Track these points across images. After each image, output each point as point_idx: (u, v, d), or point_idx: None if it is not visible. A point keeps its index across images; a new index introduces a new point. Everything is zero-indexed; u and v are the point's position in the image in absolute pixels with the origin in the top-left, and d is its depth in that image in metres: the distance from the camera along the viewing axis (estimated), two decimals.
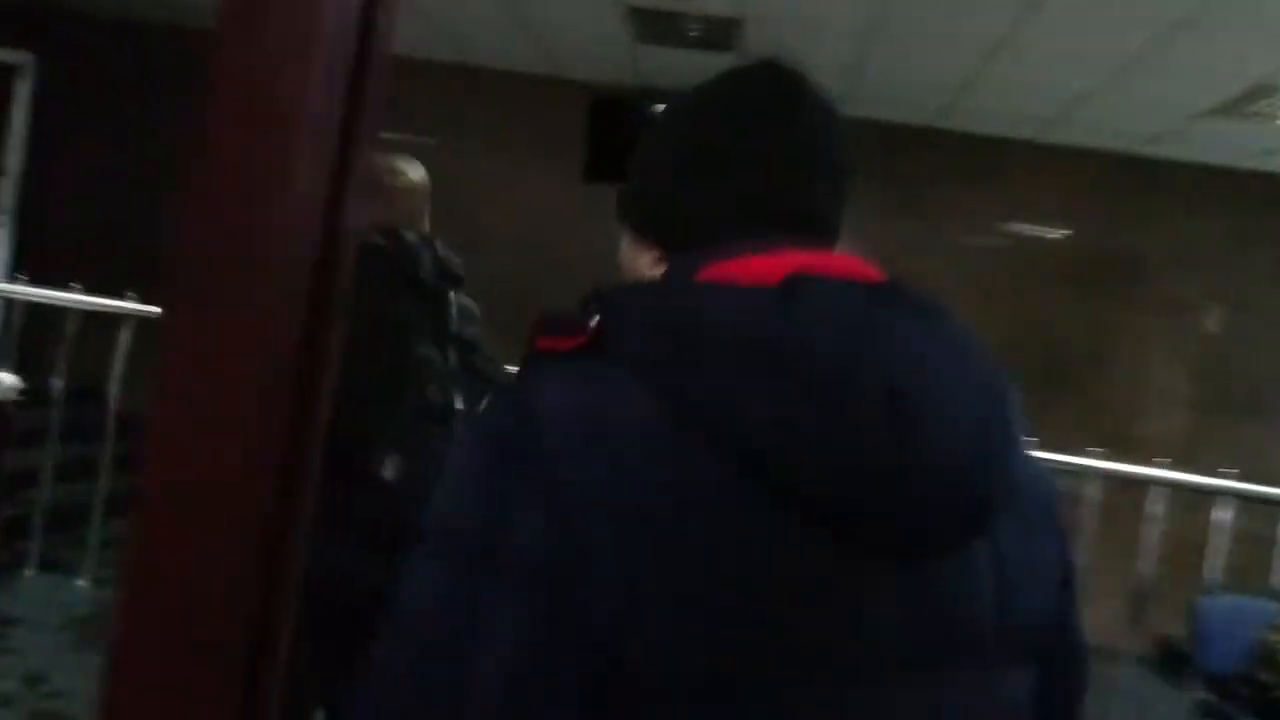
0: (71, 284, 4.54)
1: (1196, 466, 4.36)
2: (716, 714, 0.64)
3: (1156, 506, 4.20)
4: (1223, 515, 4.19)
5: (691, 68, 4.13)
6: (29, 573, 4.49)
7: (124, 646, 0.77)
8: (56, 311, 4.56)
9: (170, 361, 0.79)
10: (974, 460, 0.68)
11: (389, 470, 1.93)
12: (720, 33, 4.82)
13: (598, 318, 0.71)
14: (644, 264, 0.87)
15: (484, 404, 1.76)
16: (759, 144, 0.84)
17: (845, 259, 0.79)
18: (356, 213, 0.90)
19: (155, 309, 4.32)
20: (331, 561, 1.52)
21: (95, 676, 0.78)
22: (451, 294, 2.19)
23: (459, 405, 2.04)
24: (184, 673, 0.77)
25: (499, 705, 0.62)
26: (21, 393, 3.93)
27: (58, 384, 4.49)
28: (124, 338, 4.53)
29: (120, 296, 4.53)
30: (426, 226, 2.23)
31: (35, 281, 4.82)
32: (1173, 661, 4.63)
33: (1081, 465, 4.11)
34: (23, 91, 6.12)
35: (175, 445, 0.79)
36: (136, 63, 6.24)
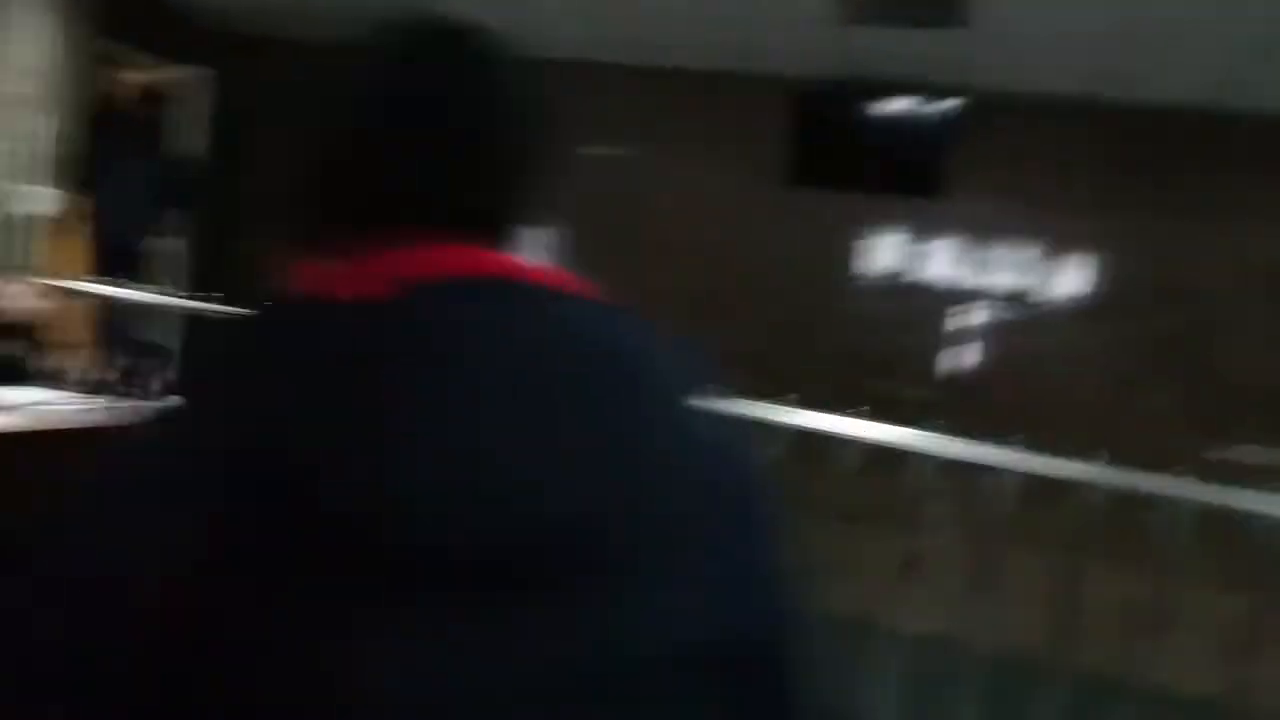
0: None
1: None
2: None
3: None
4: None
5: (911, 51, 4.48)
6: None
7: None
8: None
9: None
10: (551, 493, 0.62)
11: None
12: (944, 8, 4.02)
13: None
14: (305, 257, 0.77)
15: None
16: (398, 130, 0.74)
17: (496, 259, 0.72)
18: None
19: None
20: None
21: None
22: None
23: None
24: None
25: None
26: None
27: None
28: None
29: None
30: None
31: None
32: None
33: None
34: (199, 108, 5.74)
35: None
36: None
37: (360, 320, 0.64)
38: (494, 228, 0.77)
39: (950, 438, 3.13)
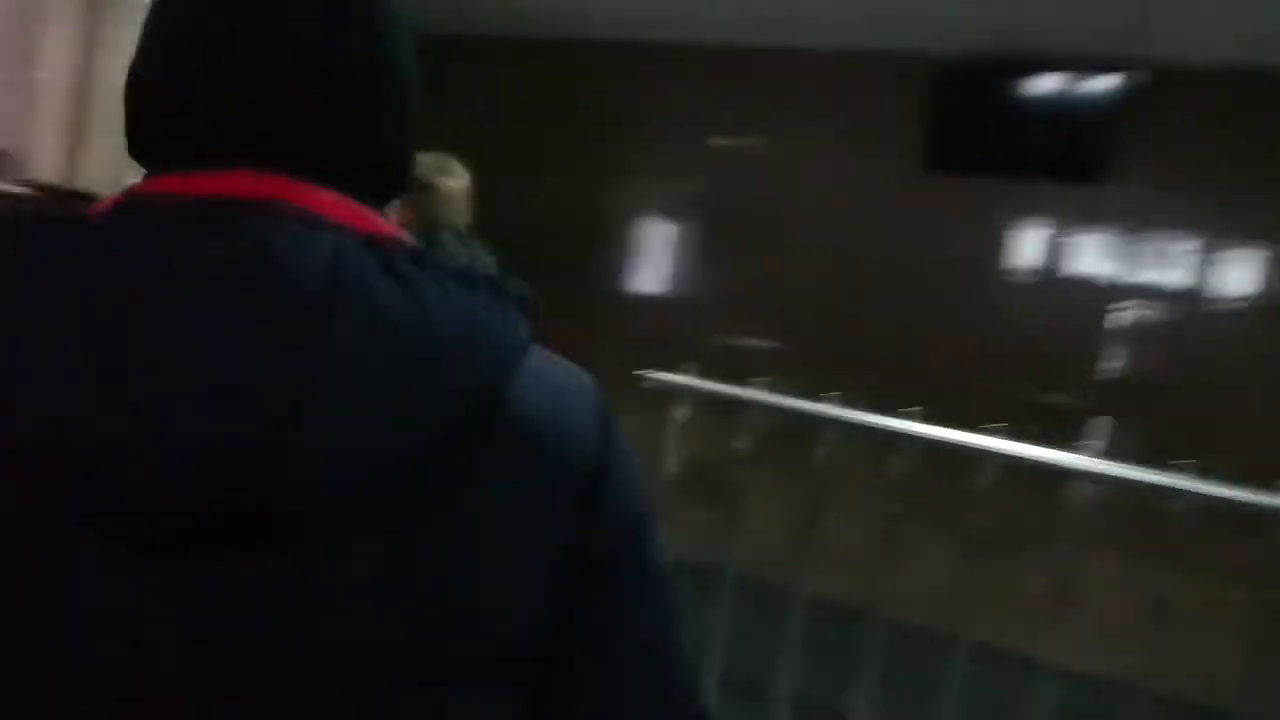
0: None
1: None
2: None
3: None
4: None
5: (1070, 20, 4.09)
6: None
7: None
8: None
9: None
10: (254, 440, 0.53)
11: None
12: None
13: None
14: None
15: None
16: (204, 44, 0.64)
17: (259, 183, 0.61)
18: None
19: None
20: None
21: None
22: None
23: None
24: None
25: None
26: None
27: None
28: None
29: None
30: (464, 224, 2.24)
31: None
32: None
33: None
34: None
35: None
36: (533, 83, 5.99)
37: (52, 237, 0.58)
38: (318, 164, 0.65)
39: (1114, 461, 2.83)
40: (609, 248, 6.20)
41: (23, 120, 4.03)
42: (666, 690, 0.68)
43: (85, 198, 3.60)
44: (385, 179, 0.69)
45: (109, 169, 3.83)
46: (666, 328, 5.58)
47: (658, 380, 3.21)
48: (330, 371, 0.55)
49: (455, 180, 2.30)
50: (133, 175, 0.67)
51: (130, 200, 0.62)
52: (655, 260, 6.09)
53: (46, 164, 3.89)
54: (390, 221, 0.67)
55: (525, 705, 0.63)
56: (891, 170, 4.92)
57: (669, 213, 6.03)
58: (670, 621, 0.69)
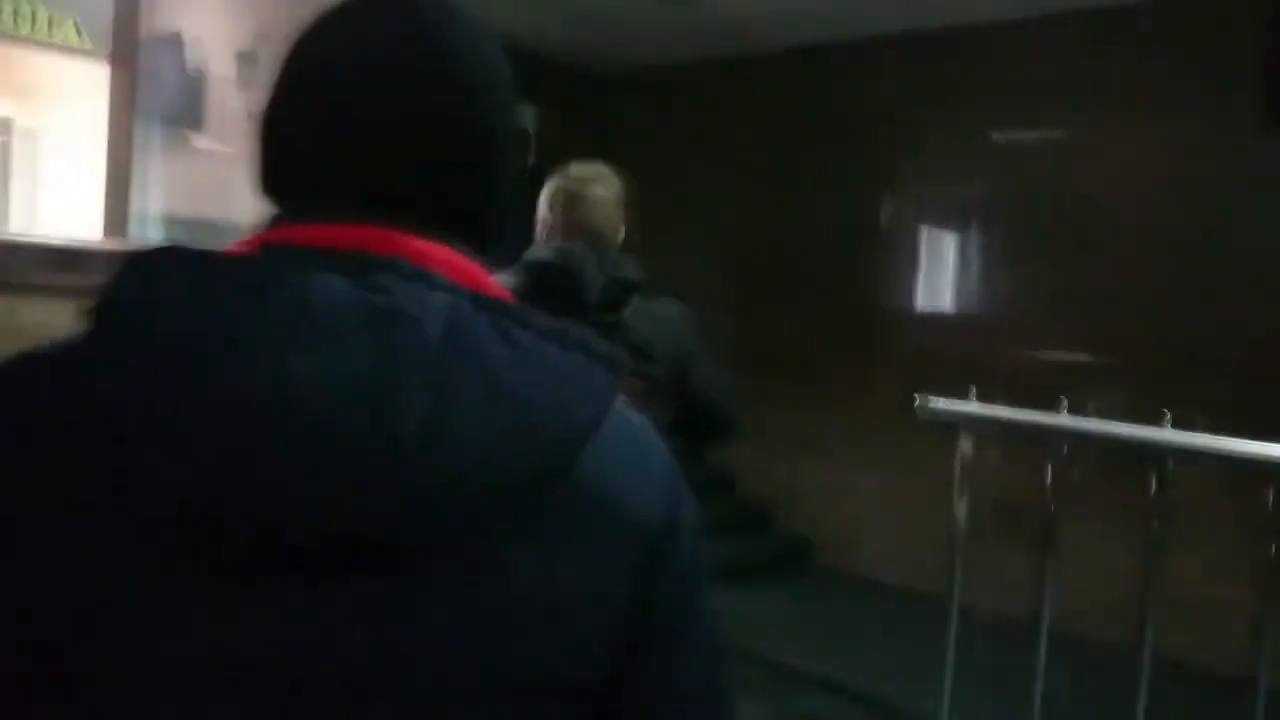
0: None
1: None
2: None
3: None
4: None
5: None
6: None
7: None
8: None
9: None
10: (365, 469, 0.57)
11: None
12: None
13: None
14: None
15: None
16: (314, 95, 0.68)
17: (376, 236, 0.65)
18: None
19: None
20: None
21: None
22: (624, 316, 2.04)
23: None
24: None
25: None
26: None
27: None
28: None
29: None
30: (615, 238, 2.16)
31: None
32: None
33: None
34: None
35: None
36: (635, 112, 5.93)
37: (178, 277, 0.61)
38: (427, 215, 0.69)
39: None
40: (883, 262, 5.74)
41: None
42: None
43: None
44: (487, 231, 0.73)
45: None
46: (953, 347, 5.10)
47: (935, 410, 2.81)
48: (450, 419, 0.59)
49: (604, 189, 2.18)
50: None
51: (264, 244, 0.67)
52: (935, 272, 5.60)
53: None
54: (491, 276, 0.71)
55: None
56: (1226, 134, 4.10)
57: (947, 219, 5.51)
58: (713, 692, 0.73)
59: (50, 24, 4.75)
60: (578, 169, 2.20)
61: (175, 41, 4.99)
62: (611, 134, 6.20)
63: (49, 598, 0.57)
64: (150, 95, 4.90)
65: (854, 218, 5.74)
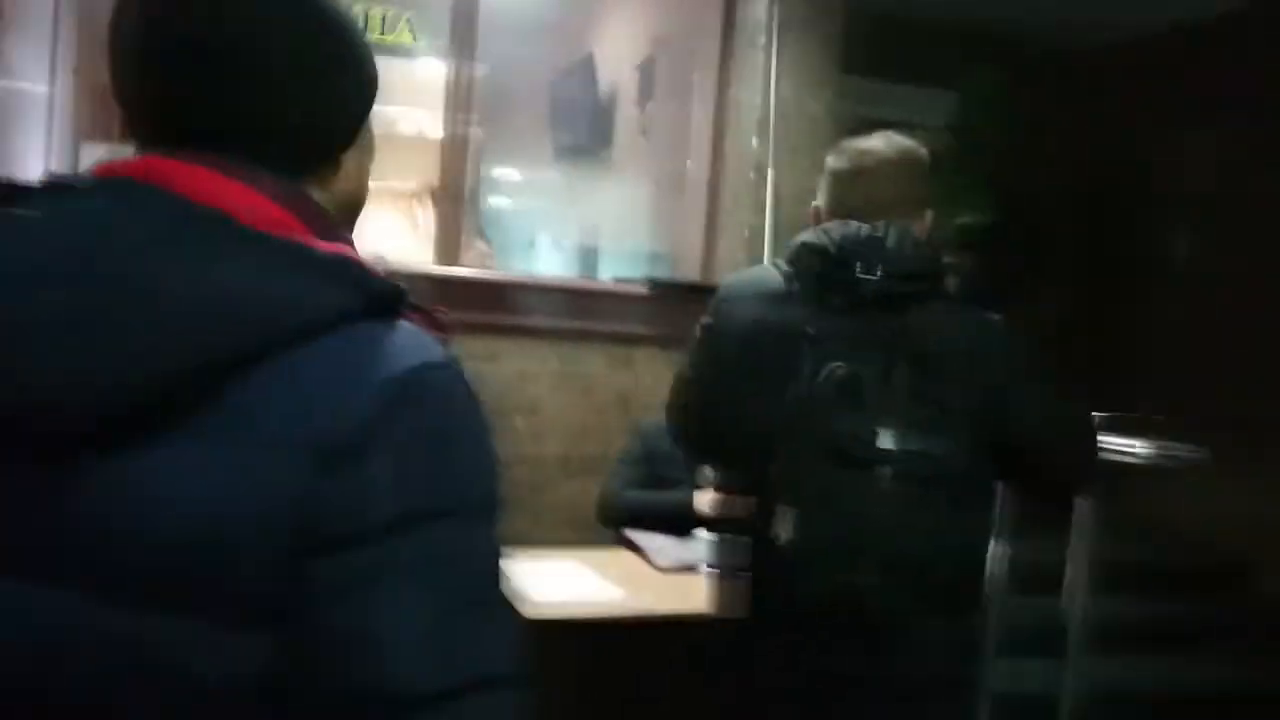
0: None
1: None
2: None
3: None
4: None
5: None
6: None
7: None
8: None
9: None
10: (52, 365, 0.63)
11: (782, 529, 1.53)
12: None
13: None
14: None
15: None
16: (124, 24, 0.75)
17: (150, 165, 0.71)
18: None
19: None
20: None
21: None
22: (908, 319, 1.61)
23: (891, 444, 1.51)
24: None
25: None
26: None
27: None
28: None
29: None
30: (907, 220, 1.69)
31: None
32: None
33: None
34: None
35: None
36: None
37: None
38: (234, 148, 0.73)
39: None
40: None
41: (675, 214, 4.02)
42: (379, 678, 0.65)
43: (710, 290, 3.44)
44: (283, 148, 0.77)
45: (735, 257, 3.58)
46: None
47: None
48: (82, 318, 0.64)
49: (889, 159, 1.71)
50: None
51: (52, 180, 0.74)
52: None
53: (688, 258, 3.79)
54: (309, 194, 0.76)
55: (266, 655, 0.64)
56: None
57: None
58: (434, 615, 0.66)
59: (383, 23, 4.64)
60: (857, 140, 1.77)
61: (587, 65, 5.04)
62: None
63: None
64: (562, 125, 5.02)
65: None
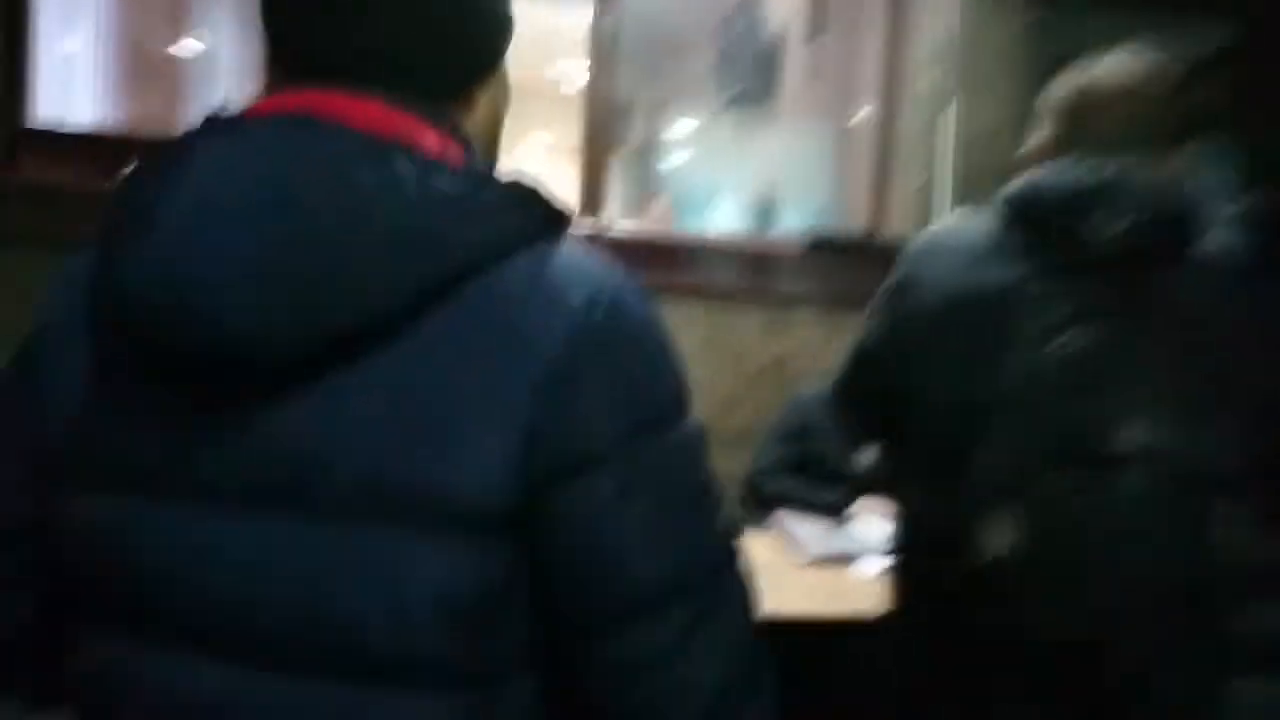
0: None
1: None
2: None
3: None
4: None
5: None
6: None
7: None
8: None
9: None
10: (253, 298, 0.63)
11: (996, 538, 1.21)
12: None
13: None
14: None
15: None
16: None
17: (319, 99, 0.71)
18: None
19: None
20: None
21: None
22: (1165, 275, 1.25)
23: (1143, 437, 1.18)
24: None
25: None
26: None
27: None
28: None
29: None
30: (1158, 155, 1.32)
31: None
32: None
33: None
34: None
35: None
36: None
37: (160, 150, 0.71)
38: (382, 81, 0.73)
39: None
40: None
41: (845, 160, 3.67)
42: (619, 586, 0.68)
43: (894, 249, 3.13)
44: (427, 79, 0.75)
45: (907, 212, 3.21)
46: None
47: None
48: (295, 239, 0.64)
49: (1132, 81, 1.33)
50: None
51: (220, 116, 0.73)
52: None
53: (858, 210, 3.43)
54: (451, 126, 0.75)
55: (499, 568, 0.67)
56: None
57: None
58: (663, 518, 0.70)
59: None
60: (1092, 61, 1.40)
61: (752, 3, 4.72)
62: None
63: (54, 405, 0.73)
64: (729, 72, 4.73)
65: None
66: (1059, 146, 1.36)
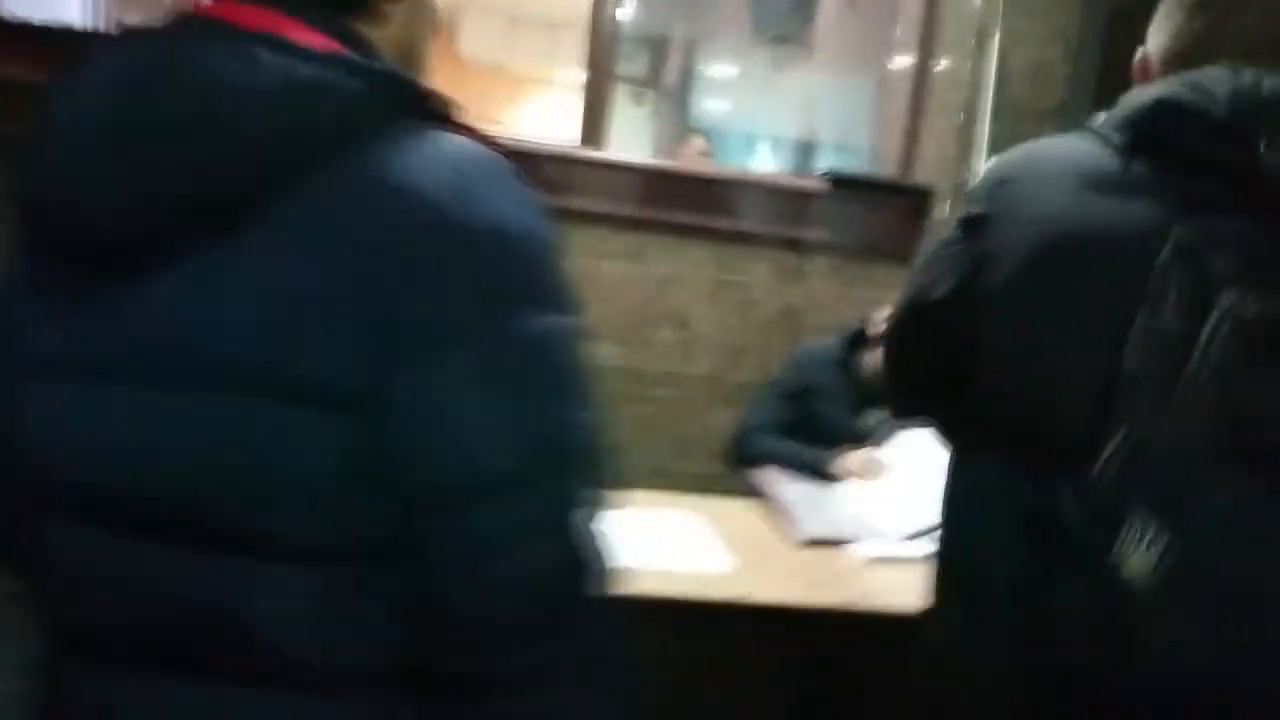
0: None
1: None
2: None
3: None
4: None
5: None
6: None
7: None
8: None
9: None
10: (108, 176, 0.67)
11: (1137, 554, 0.90)
12: None
13: None
14: None
15: None
16: None
17: (226, 8, 0.73)
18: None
19: None
20: None
21: None
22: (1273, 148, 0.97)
23: None
24: None
25: None
26: None
27: None
28: None
29: None
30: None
31: None
32: None
33: None
34: None
35: None
36: None
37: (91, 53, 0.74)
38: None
39: None
40: None
41: (881, 97, 3.41)
42: (478, 454, 0.69)
43: (922, 191, 2.88)
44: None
45: (940, 156, 2.95)
46: None
47: None
48: (149, 123, 0.67)
49: None
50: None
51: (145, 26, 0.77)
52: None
53: (890, 154, 3.17)
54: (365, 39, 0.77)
55: (353, 449, 0.68)
56: None
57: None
58: (514, 405, 0.70)
59: None
60: None
61: None
62: None
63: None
64: (764, 10, 4.49)
65: None
66: (1186, 55, 1.08)
